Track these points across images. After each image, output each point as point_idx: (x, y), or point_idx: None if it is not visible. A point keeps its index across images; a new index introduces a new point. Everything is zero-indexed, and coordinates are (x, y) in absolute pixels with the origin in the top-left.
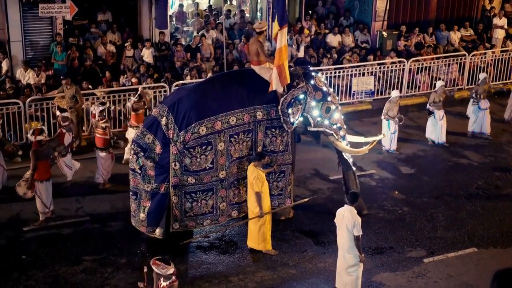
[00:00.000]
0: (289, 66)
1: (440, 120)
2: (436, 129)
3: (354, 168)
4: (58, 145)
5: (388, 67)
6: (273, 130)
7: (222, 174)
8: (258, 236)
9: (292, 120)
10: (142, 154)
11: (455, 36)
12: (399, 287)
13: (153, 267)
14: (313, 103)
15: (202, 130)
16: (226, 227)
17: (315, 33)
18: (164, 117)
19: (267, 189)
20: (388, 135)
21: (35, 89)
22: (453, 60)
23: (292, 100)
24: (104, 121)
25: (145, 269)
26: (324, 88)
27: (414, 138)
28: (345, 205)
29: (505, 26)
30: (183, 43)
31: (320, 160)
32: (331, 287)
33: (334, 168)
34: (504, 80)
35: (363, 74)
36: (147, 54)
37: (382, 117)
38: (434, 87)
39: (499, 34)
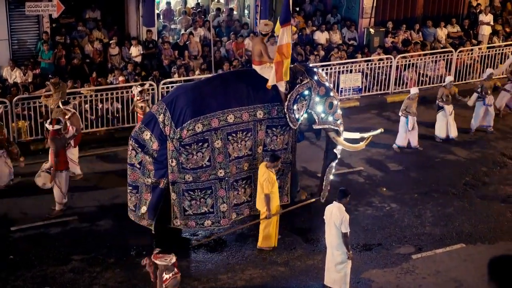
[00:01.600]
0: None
1: (450, 115)
2: (445, 125)
3: (333, 164)
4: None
5: (375, 64)
6: (274, 129)
7: (220, 173)
8: (263, 234)
9: (297, 116)
10: (140, 150)
11: (441, 33)
12: (387, 283)
13: (156, 261)
14: (317, 99)
15: (198, 127)
16: (238, 228)
17: (302, 30)
18: (162, 114)
19: (277, 190)
20: (404, 131)
21: (22, 88)
22: (440, 56)
23: (298, 96)
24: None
25: (144, 261)
26: (327, 84)
27: None
28: (334, 202)
29: (491, 23)
30: (171, 41)
31: (308, 157)
32: (320, 284)
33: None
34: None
35: (351, 71)
36: (135, 52)
37: (400, 113)
38: (423, 83)
39: (485, 30)
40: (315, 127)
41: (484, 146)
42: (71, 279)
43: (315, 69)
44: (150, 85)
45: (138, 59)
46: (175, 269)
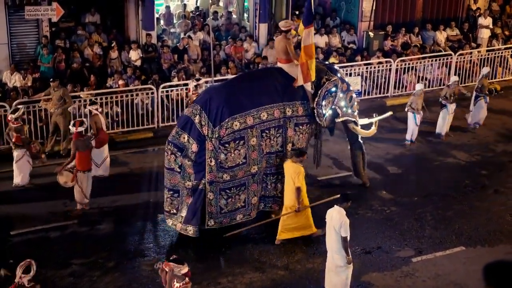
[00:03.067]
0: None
1: (451, 113)
2: (444, 122)
3: (364, 152)
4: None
5: (375, 67)
6: (300, 127)
7: (254, 169)
8: (302, 224)
9: (324, 112)
10: (180, 153)
11: (441, 36)
12: (387, 287)
13: (166, 268)
14: (341, 95)
15: (236, 125)
16: (266, 222)
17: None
18: (198, 115)
19: (304, 184)
20: (413, 127)
21: (22, 92)
22: (439, 59)
23: (326, 93)
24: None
25: (158, 265)
26: (346, 79)
27: (401, 138)
28: (335, 206)
29: (490, 26)
30: (170, 44)
31: (307, 160)
32: None
33: (322, 168)
34: (490, 80)
35: (350, 75)
36: (134, 56)
37: (406, 109)
38: (429, 85)
39: (484, 33)
40: (338, 120)
41: (484, 149)
42: (70, 283)
43: (335, 67)
44: (150, 88)
45: (138, 63)
46: (186, 279)
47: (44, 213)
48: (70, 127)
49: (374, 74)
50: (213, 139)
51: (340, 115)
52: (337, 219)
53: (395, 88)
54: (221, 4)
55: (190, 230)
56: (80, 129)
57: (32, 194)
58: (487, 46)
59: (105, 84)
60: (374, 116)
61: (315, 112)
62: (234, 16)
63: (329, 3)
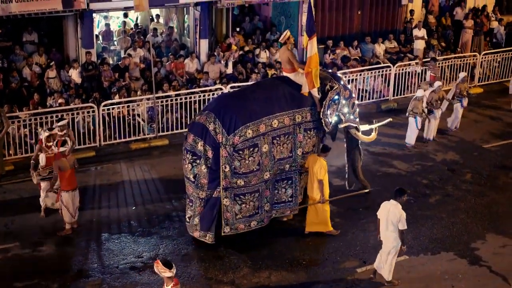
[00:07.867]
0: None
1: (437, 119)
2: (433, 127)
3: (361, 158)
4: None
5: None
6: (308, 132)
7: (266, 175)
8: (320, 220)
9: (330, 120)
10: (198, 162)
11: (379, 49)
12: None
13: (154, 266)
14: (344, 102)
15: (249, 133)
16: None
17: (242, 48)
18: (212, 123)
19: (327, 177)
20: (414, 131)
21: None
22: (379, 72)
23: (330, 102)
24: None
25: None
26: (349, 86)
27: (342, 150)
28: (391, 200)
29: (425, 37)
30: (111, 62)
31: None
32: None
33: None
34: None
35: None
36: (74, 75)
37: (407, 114)
38: (363, 99)
39: (420, 44)
40: (341, 126)
41: (424, 159)
42: None
43: (338, 75)
44: (91, 107)
45: (78, 81)
46: (174, 282)
47: None
48: (53, 147)
49: None
50: (227, 146)
51: (343, 121)
52: (395, 213)
53: None
54: (161, 21)
55: (210, 238)
56: (62, 149)
57: None
58: (423, 58)
59: (43, 105)
60: (374, 122)
61: (323, 121)
62: (175, 31)
63: (269, 18)
